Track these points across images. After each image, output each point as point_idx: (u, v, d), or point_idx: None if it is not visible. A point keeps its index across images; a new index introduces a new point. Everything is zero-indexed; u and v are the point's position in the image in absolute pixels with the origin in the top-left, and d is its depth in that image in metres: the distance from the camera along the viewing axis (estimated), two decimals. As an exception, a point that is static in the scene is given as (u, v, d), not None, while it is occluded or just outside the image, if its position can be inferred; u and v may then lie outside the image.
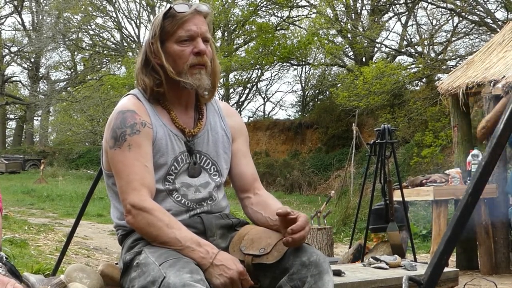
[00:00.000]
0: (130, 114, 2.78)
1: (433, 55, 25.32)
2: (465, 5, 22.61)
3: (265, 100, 44.28)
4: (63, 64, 47.93)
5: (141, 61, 2.87)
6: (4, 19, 49.29)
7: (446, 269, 3.47)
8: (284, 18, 34.89)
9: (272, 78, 41.81)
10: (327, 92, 33.81)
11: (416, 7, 26.78)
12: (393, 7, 28.58)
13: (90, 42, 42.42)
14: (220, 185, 2.96)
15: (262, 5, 33.54)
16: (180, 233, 2.60)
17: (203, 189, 2.87)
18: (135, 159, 2.70)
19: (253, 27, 33.24)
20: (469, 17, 23.16)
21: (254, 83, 39.50)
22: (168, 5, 2.85)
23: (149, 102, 2.86)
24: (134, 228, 2.71)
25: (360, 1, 30.04)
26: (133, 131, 2.73)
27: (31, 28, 47.29)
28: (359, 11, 30.15)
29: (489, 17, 22.19)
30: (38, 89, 47.61)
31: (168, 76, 2.81)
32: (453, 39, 25.36)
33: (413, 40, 28.14)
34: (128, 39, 40.67)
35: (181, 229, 2.63)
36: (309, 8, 32.49)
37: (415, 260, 5.83)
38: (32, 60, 47.53)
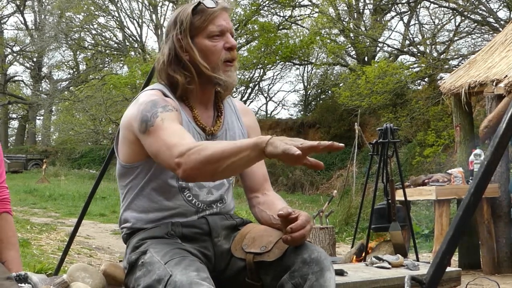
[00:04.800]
0: (161, 99, 2.74)
1: (435, 54, 25.28)
2: (467, 4, 22.60)
3: (268, 99, 44.28)
4: (66, 63, 47.94)
5: (168, 57, 2.82)
6: (6, 19, 49.38)
7: (448, 269, 3.47)
8: (286, 17, 34.85)
9: (275, 77, 41.73)
10: (329, 92, 33.78)
11: (419, 7, 26.76)
12: (395, 6, 28.55)
13: (92, 41, 42.39)
14: (231, 186, 2.97)
15: (264, 4, 33.50)
16: (229, 143, 2.42)
17: (215, 191, 2.87)
18: (169, 127, 2.58)
19: (255, 26, 33.21)
20: (471, 16, 23.13)
21: (256, 83, 39.50)
22: (196, 0, 2.81)
23: (174, 98, 2.82)
24: (194, 176, 2.47)
25: (362, 0, 30.06)
26: (165, 110, 2.66)
27: (33, 27, 47.33)
28: (361, 10, 30.15)
29: (491, 16, 22.16)
30: (40, 89, 47.66)
31: (199, 73, 2.80)
32: (456, 38, 25.32)
33: (415, 39, 28.13)
34: (130, 39, 40.65)
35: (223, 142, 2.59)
36: (311, 8, 32.47)
37: (418, 260, 5.84)
38: (35, 59, 47.55)
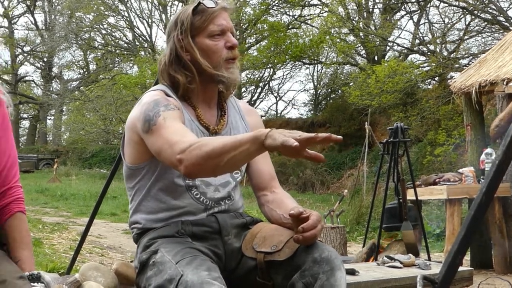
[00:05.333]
0: (164, 99, 2.77)
1: (445, 53, 25.20)
2: (478, 3, 22.53)
3: (277, 99, 44.25)
4: (76, 63, 48.04)
5: (169, 57, 2.87)
6: (17, 19, 49.54)
7: (460, 268, 3.47)
8: (296, 17, 34.81)
9: (284, 77, 41.68)
10: (339, 91, 33.75)
11: (428, 6, 26.70)
12: (405, 5, 28.47)
13: (103, 41, 42.44)
14: (238, 184, 2.98)
15: (274, 4, 33.48)
16: (229, 138, 2.45)
17: (222, 189, 2.88)
18: (171, 125, 2.60)
19: (265, 26, 33.19)
20: (481, 15, 23.05)
21: (266, 82, 39.45)
22: (196, 1, 2.85)
23: (176, 98, 2.85)
24: (196, 172, 2.49)
25: (372, -1, 30.03)
26: (167, 108, 2.69)
27: (43, 27, 47.47)
28: (371, 9, 30.09)
29: (501, 15, 22.10)
30: (51, 89, 47.74)
31: (200, 72, 2.83)
32: (466, 37, 25.23)
33: (425, 38, 28.04)
34: (140, 38, 40.67)
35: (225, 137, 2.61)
36: (321, 7, 32.43)
37: (429, 259, 5.83)
38: (45, 59, 47.66)
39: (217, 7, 2.84)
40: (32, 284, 2.45)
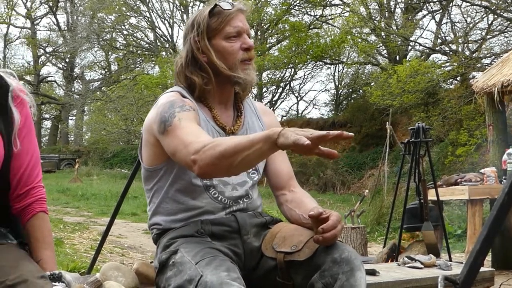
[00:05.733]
0: (179, 100, 2.78)
1: (467, 53, 25.09)
2: (500, 2, 22.42)
3: (298, 99, 44.22)
4: (97, 64, 48.27)
5: (186, 59, 2.89)
6: (39, 20, 49.91)
7: (481, 269, 3.45)
8: (317, 16, 34.81)
9: (305, 77, 41.63)
10: (361, 91, 33.67)
11: (450, 5, 26.59)
12: (427, 5, 28.37)
13: (124, 42, 42.63)
14: (256, 184, 2.98)
15: (295, 4, 33.50)
16: (242, 137, 2.44)
17: (240, 188, 2.89)
18: (186, 126, 2.62)
19: (286, 26, 33.21)
20: (504, 14, 22.94)
21: (287, 82, 39.43)
22: (212, 3, 2.86)
23: (192, 99, 2.87)
24: (210, 172, 2.50)
25: (393, -1, 29.95)
26: (183, 109, 2.71)
27: (66, 28, 47.74)
28: (392, 9, 30.01)
29: (524, 14, 22.00)
30: (72, 89, 48.07)
31: (216, 74, 2.84)
32: (488, 36, 25.10)
33: (447, 38, 27.96)
34: (162, 39, 40.82)
35: (237, 137, 2.58)
36: (342, 7, 32.42)
37: (450, 260, 5.80)
38: (67, 60, 47.99)
39: (233, 9, 2.85)
40: (53, 283, 2.46)
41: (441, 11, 28.02)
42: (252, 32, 34.90)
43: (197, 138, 2.52)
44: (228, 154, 2.37)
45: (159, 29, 40.90)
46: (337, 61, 35.05)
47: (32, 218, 2.70)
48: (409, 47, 29.04)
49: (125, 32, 42.25)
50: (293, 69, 36.75)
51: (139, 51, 41.76)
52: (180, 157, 2.58)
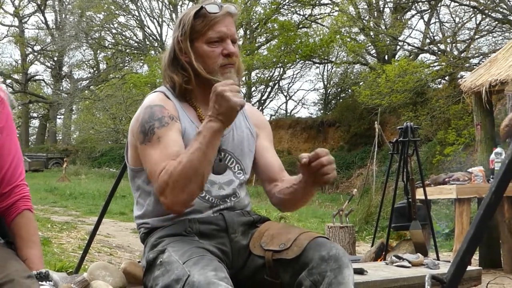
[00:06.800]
0: (158, 108, 2.78)
1: (456, 53, 25.17)
2: (488, 2, 22.49)
3: (287, 98, 44.32)
4: (86, 62, 48.21)
5: (168, 58, 2.90)
6: (27, 18, 49.71)
7: (469, 268, 3.46)
8: (306, 16, 34.88)
9: (294, 76, 41.73)
10: (349, 90, 33.79)
11: (439, 5, 26.68)
12: (416, 4, 28.47)
13: (113, 40, 42.62)
14: (243, 183, 2.97)
15: (284, 3, 33.54)
16: (192, 147, 2.60)
17: (226, 187, 2.88)
18: (164, 149, 2.68)
19: (275, 25, 33.25)
20: (492, 14, 23.02)
21: (276, 82, 39.52)
22: (199, 4, 2.84)
23: (176, 99, 2.88)
24: (186, 203, 2.68)
25: (382, -1, 30.02)
26: (161, 124, 2.72)
27: (54, 27, 47.62)
28: (381, 9, 30.10)
29: (512, 14, 22.07)
30: (61, 88, 47.96)
31: (196, 74, 2.83)
32: (476, 36, 25.21)
33: (435, 38, 28.06)
34: (151, 38, 40.82)
35: (187, 149, 2.64)
36: (331, 6, 32.47)
37: (438, 259, 5.81)
38: (55, 58, 47.86)
39: (219, 13, 2.83)
40: (40, 283, 2.45)
41: (429, 11, 28.13)
42: (241, 31, 34.92)
43: (163, 165, 2.64)
44: (189, 177, 2.57)
45: (148, 28, 40.94)
46: (326, 61, 35.11)
47: (17, 216, 2.70)
48: (398, 47, 29.11)
49: (113, 31, 42.25)
50: (282, 69, 36.84)
51: (127, 50, 41.76)
52: (152, 182, 2.72)
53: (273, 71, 36.47)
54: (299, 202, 2.92)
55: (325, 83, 40.49)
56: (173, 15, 38.44)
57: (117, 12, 40.29)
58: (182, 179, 2.54)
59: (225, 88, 2.54)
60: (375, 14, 28.60)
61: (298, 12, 34.86)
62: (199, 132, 2.60)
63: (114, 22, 41.46)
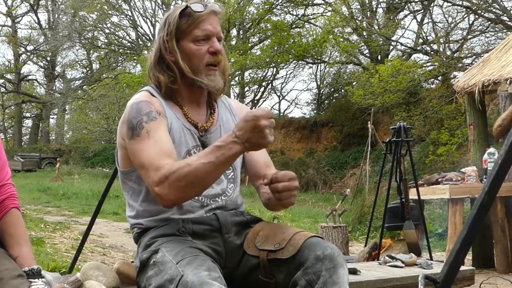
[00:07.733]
0: (145, 104, 2.78)
1: (449, 53, 25.21)
2: (481, 2, 22.53)
3: (280, 98, 44.41)
4: (79, 62, 48.22)
5: (154, 58, 2.89)
6: (20, 18, 49.65)
7: (462, 268, 3.46)
8: (299, 16, 34.93)
9: (288, 76, 41.88)
10: (343, 90, 33.84)
11: (432, 5, 26.73)
12: (409, 4, 28.51)
13: (106, 40, 42.61)
14: (234, 180, 2.97)
15: (277, 3, 33.56)
16: (207, 157, 2.54)
17: (215, 185, 2.87)
18: (155, 143, 2.66)
19: (268, 25, 33.28)
20: (485, 14, 23.06)
21: (269, 81, 39.57)
22: (184, 4, 2.84)
23: (162, 98, 2.87)
24: (178, 202, 2.67)
25: (375, -1, 30.06)
26: (149, 118, 2.71)
27: (47, 26, 47.59)
28: (374, 9, 30.14)
29: (505, 15, 22.10)
30: (54, 88, 47.89)
31: (182, 74, 2.83)
32: (469, 37, 25.26)
33: (428, 38, 28.10)
34: (144, 38, 40.81)
35: (200, 155, 2.59)
36: (324, 6, 32.52)
37: (431, 259, 5.82)
38: (48, 58, 47.84)
39: (204, 12, 2.82)
40: (32, 279, 2.44)
41: (422, 11, 28.17)
42: (234, 31, 34.92)
43: (162, 159, 2.59)
44: (193, 183, 2.54)
45: (141, 27, 40.99)
46: (319, 61, 35.16)
47: (5, 215, 2.70)
48: (391, 47, 29.15)
49: (106, 31, 42.24)
50: (275, 68, 36.88)
51: (120, 50, 41.74)
52: (145, 180, 2.67)
53: (266, 71, 36.54)
54: (277, 208, 2.91)
55: (318, 83, 40.61)
56: (166, 15, 38.40)
57: (110, 12, 40.30)
58: (185, 181, 2.52)
59: (266, 124, 2.47)
60: (368, 14, 28.63)
61: (291, 12, 34.96)
62: (219, 146, 2.53)
63: (107, 22, 41.50)
